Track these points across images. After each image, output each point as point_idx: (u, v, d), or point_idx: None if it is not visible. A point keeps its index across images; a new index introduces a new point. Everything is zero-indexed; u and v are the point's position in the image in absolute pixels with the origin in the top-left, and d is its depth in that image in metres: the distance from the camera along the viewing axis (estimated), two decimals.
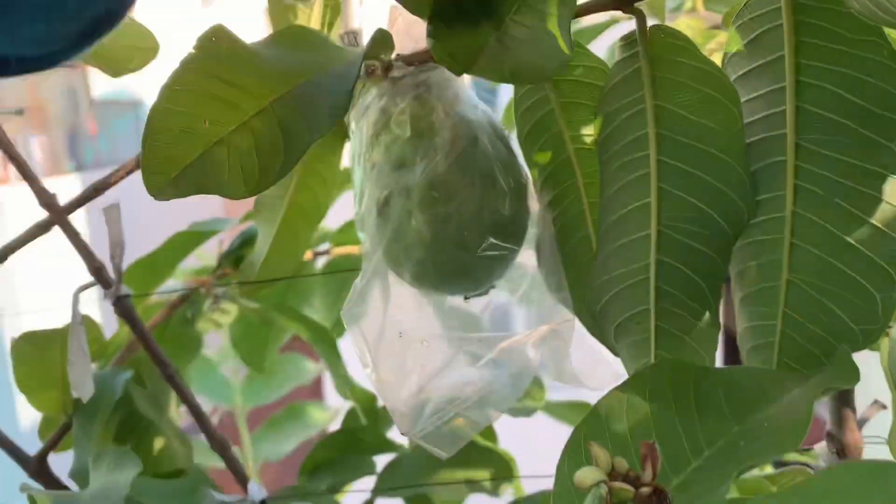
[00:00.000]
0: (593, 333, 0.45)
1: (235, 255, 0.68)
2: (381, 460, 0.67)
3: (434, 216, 0.41)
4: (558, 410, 0.69)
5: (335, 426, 1.08)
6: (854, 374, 0.36)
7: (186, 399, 0.52)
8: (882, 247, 0.37)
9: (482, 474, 0.56)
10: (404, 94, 0.43)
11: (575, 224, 0.44)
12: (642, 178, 0.40)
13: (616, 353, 0.43)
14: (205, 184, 0.33)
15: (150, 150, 0.33)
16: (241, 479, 0.53)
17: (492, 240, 0.42)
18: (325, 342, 0.65)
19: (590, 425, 0.34)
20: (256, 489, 0.52)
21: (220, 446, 0.53)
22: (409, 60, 0.43)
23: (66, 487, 0.62)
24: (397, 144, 0.41)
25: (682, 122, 0.38)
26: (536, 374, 0.43)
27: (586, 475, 0.27)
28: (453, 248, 0.41)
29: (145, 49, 0.56)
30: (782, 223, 0.39)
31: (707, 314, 0.40)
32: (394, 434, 0.74)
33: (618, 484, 0.27)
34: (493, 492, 0.57)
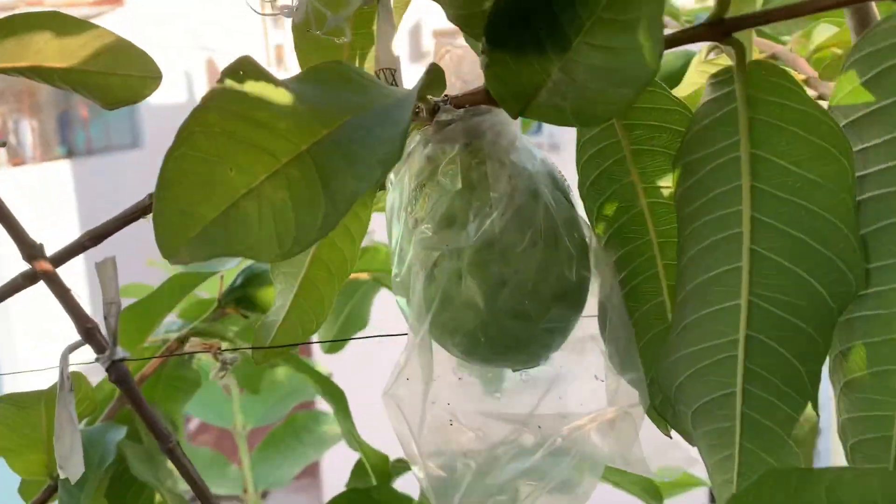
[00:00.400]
0: (664, 416, 0.39)
1: (238, 294, 0.62)
2: None
3: (488, 281, 0.35)
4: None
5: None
6: None
7: (188, 475, 0.46)
8: None
9: None
10: (453, 141, 0.37)
11: (647, 288, 0.38)
12: (732, 238, 0.34)
13: (691, 442, 0.37)
14: (230, 244, 0.28)
15: (163, 205, 0.27)
16: None
17: (555, 310, 0.36)
18: (335, 398, 0.60)
19: None
20: None
21: None
22: (458, 103, 0.37)
23: None
24: (446, 198, 0.36)
25: (782, 174, 0.33)
26: (605, 463, 0.37)
27: None
28: (510, 318, 0.35)
29: (144, 79, 0.50)
30: None
31: (804, 403, 0.34)
32: (405, 486, 0.67)
33: None
34: None
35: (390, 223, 0.39)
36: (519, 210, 0.36)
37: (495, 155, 0.37)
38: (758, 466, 0.35)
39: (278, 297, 0.46)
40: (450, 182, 0.36)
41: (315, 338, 0.56)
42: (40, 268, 0.44)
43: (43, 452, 0.54)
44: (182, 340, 0.56)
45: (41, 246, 0.46)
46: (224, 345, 0.50)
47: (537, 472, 0.36)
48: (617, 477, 0.67)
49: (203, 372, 0.61)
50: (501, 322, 0.35)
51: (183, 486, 0.50)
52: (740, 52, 0.32)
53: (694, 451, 0.40)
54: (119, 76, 0.49)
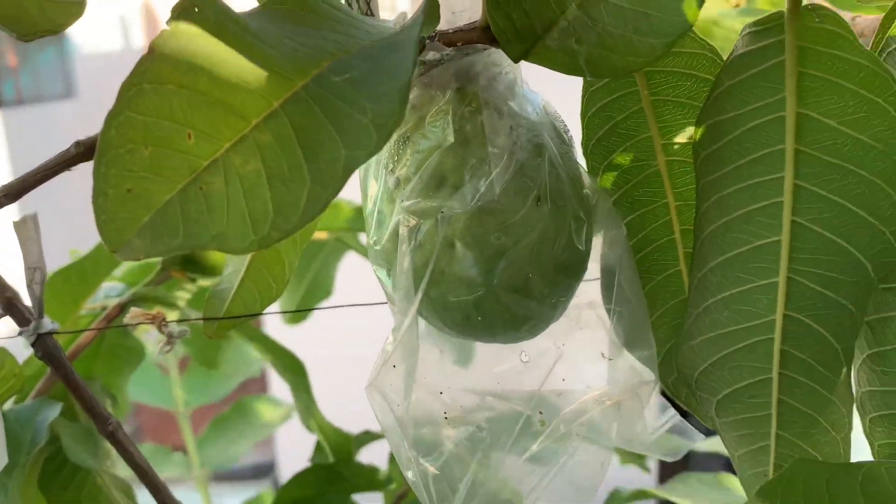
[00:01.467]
0: (679, 400, 0.35)
1: (183, 256, 0.56)
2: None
3: (485, 251, 0.30)
4: None
5: (290, 424, 0.96)
6: None
7: (132, 459, 0.41)
8: None
9: None
10: (443, 86, 0.32)
11: (660, 257, 0.34)
12: (771, 208, 0.30)
13: (714, 429, 0.34)
14: (192, 233, 0.22)
15: (105, 184, 0.21)
16: None
17: (560, 281, 0.31)
18: (295, 373, 0.55)
19: None
20: None
21: None
22: (449, 40, 0.31)
23: None
24: (435, 154, 0.30)
25: (832, 135, 0.29)
26: (611, 449, 0.33)
27: None
28: (511, 293, 0.30)
29: (65, 4, 0.43)
30: None
31: (839, 385, 0.31)
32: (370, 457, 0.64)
33: None
34: None
35: (365, 181, 0.34)
36: (521, 168, 0.30)
37: (492, 102, 0.31)
38: (796, 456, 0.31)
39: (230, 263, 0.40)
40: (440, 134, 0.31)
41: (276, 307, 0.51)
42: None
43: None
44: (122, 307, 0.49)
45: None
46: (171, 315, 0.44)
47: (539, 461, 0.32)
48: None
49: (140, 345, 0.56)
50: (500, 298, 0.30)
51: (126, 471, 0.44)
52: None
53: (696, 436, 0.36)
54: (36, 2, 0.42)
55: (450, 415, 0.32)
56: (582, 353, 0.35)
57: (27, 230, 0.37)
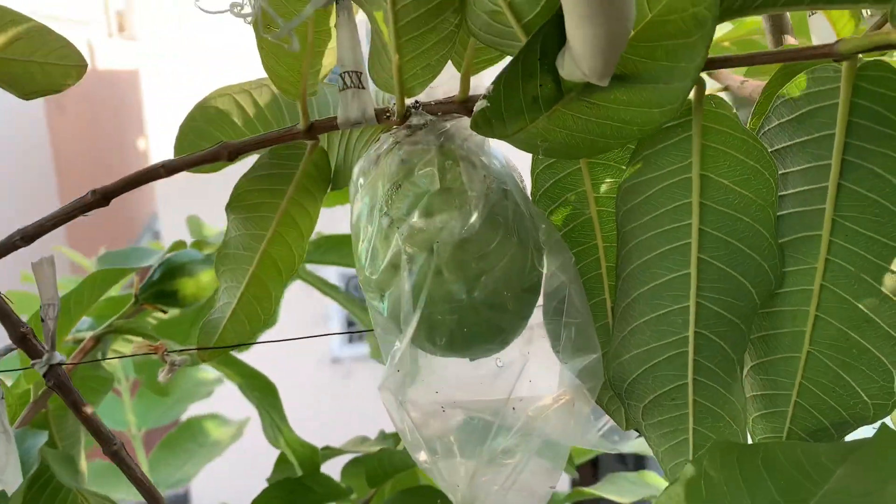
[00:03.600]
0: (601, 406, 0.43)
1: (157, 289, 0.60)
2: None
3: (468, 276, 0.37)
4: None
5: (243, 443, 0.97)
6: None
7: (135, 477, 0.44)
8: None
9: None
10: (427, 144, 0.39)
11: (590, 287, 0.42)
12: (682, 248, 0.38)
13: (638, 430, 0.42)
14: None
15: None
16: None
17: (526, 299, 0.39)
18: (264, 392, 0.59)
19: None
20: None
21: None
22: (431, 110, 0.39)
23: None
24: (423, 199, 0.38)
25: (725, 191, 0.38)
26: (567, 443, 0.40)
27: None
28: (488, 309, 0.38)
29: (66, 67, 0.48)
30: (809, 295, 0.39)
31: (734, 385, 0.40)
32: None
33: None
34: None
35: (357, 225, 0.40)
36: (493, 208, 0.38)
37: (467, 156, 0.39)
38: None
39: (223, 295, 0.46)
40: (428, 183, 0.38)
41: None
42: None
43: None
44: (98, 339, 0.53)
45: None
46: (141, 341, 0.48)
47: (511, 451, 0.39)
48: None
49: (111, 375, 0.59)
50: (480, 313, 0.37)
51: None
52: (701, 87, 0.36)
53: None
54: (38, 64, 0.47)
55: (446, 408, 0.38)
56: (541, 361, 0.42)
57: (43, 270, 0.42)
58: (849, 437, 0.41)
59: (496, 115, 0.35)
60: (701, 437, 0.40)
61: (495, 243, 0.37)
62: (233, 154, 0.41)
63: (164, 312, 0.59)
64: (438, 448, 0.37)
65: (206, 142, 0.45)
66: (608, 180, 0.41)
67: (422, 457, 0.37)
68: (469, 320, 0.37)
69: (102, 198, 0.42)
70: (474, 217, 0.37)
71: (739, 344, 0.39)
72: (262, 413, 0.62)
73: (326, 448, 0.66)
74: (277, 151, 0.43)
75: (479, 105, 0.35)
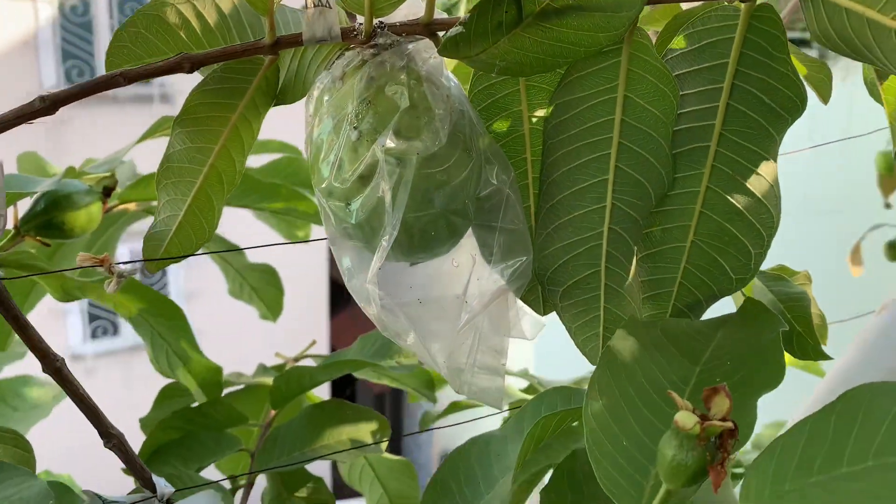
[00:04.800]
0: (525, 299, 0.50)
1: (41, 220, 0.58)
2: None
3: (435, 185, 0.42)
4: None
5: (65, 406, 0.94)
6: (767, 314, 0.47)
7: (76, 392, 0.45)
8: (760, 213, 0.48)
9: (363, 434, 0.58)
10: (394, 64, 0.43)
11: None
12: (603, 157, 0.46)
13: (556, 312, 0.49)
14: None
15: None
16: (141, 475, 0.48)
17: (479, 205, 0.45)
18: (170, 317, 0.60)
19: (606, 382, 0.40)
20: (164, 483, 0.47)
21: (117, 449, 0.47)
22: (397, 30, 0.43)
23: None
24: (395, 116, 0.42)
25: (640, 110, 0.45)
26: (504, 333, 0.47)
27: (686, 418, 0.33)
28: (451, 214, 0.43)
29: None
30: (696, 195, 0.48)
31: (629, 267, 0.48)
32: None
33: (716, 422, 0.32)
34: (382, 450, 0.59)
35: (320, 142, 0.43)
36: (455, 126, 0.43)
37: (429, 77, 0.43)
38: (615, 321, 0.48)
39: (165, 208, 0.47)
40: (398, 100, 0.42)
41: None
42: None
43: None
44: None
45: None
46: (84, 254, 0.48)
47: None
48: (398, 373, 0.74)
49: None
50: (446, 218, 0.43)
51: None
52: (634, 20, 0.43)
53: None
54: None
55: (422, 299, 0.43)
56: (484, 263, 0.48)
57: None
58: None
59: (464, 39, 0.40)
60: (609, 314, 0.49)
61: (455, 157, 0.42)
62: (195, 66, 0.42)
63: (48, 245, 0.58)
64: (417, 331, 0.42)
65: (144, 51, 0.45)
66: (541, 101, 0.47)
67: (410, 339, 0.42)
68: (435, 224, 0.42)
69: (51, 105, 0.42)
70: (442, 133, 0.41)
71: (637, 237, 0.48)
72: (159, 342, 0.62)
73: (234, 373, 0.68)
74: (231, 66, 0.44)
75: (454, 31, 0.39)
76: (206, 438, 0.61)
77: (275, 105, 0.48)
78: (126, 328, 5.63)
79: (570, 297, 0.49)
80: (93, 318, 5.50)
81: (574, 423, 0.46)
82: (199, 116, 0.45)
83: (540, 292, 0.51)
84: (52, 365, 0.45)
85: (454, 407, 0.83)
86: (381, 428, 0.59)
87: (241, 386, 0.71)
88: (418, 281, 0.45)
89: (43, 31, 4.99)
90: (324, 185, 0.44)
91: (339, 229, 0.45)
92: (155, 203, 0.76)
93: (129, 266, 0.47)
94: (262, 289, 0.90)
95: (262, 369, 0.75)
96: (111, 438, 0.47)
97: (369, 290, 0.41)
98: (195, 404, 0.65)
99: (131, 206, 0.74)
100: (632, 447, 0.35)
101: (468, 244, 0.47)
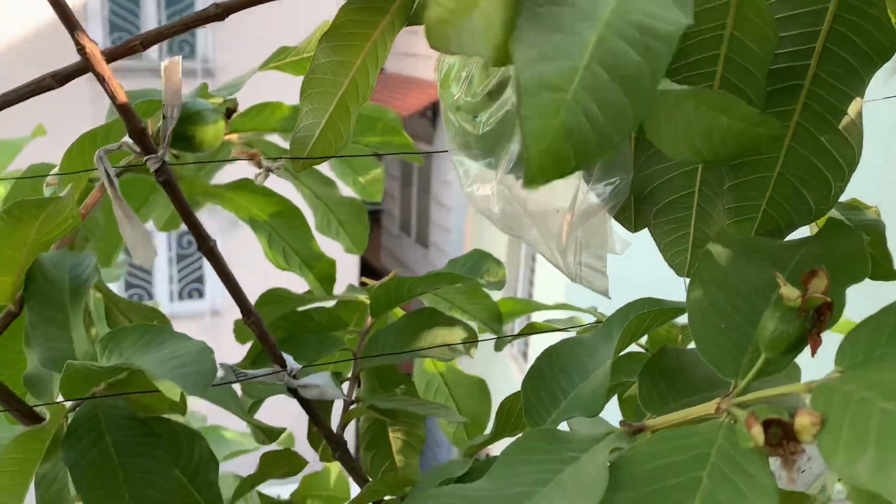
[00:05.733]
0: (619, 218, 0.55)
1: (174, 132, 0.64)
2: None
3: None
4: None
5: None
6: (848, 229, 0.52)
7: (224, 274, 0.52)
8: (843, 149, 0.53)
9: (455, 339, 0.64)
10: None
11: None
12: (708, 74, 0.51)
13: (648, 229, 0.55)
14: None
15: None
16: (273, 352, 0.54)
17: None
18: (289, 217, 0.66)
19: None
20: (292, 360, 0.54)
21: (255, 326, 0.53)
22: None
23: None
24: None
25: (742, 48, 0.50)
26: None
27: (790, 290, 0.37)
28: None
29: None
30: (786, 132, 0.52)
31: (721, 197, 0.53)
32: None
33: (816, 295, 0.37)
34: (467, 352, 0.65)
35: (447, 62, 0.49)
36: None
37: None
38: (703, 239, 0.53)
39: (308, 115, 0.53)
40: None
41: None
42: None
43: (13, 275, 0.54)
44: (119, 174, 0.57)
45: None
46: (240, 147, 0.54)
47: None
48: (467, 306, 0.79)
49: None
50: None
51: None
52: None
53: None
54: None
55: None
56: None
57: (171, 73, 0.47)
58: None
59: None
60: (698, 232, 0.54)
61: None
62: None
63: (177, 157, 0.63)
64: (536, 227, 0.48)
65: None
66: None
67: (532, 233, 0.47)
68: None
69: (224, 12, 0.47)
70: None
71: (729, 164, 0.53)
72: (276, 240, 0.68)
73: (309, 292, 0.73)
74: None
75: None
76: (311, 340, 0.67)
77: (407, 25, 0.53)
78: (159, 295, 5.81)
79: (664, 215, 0.54)
80: (129, 286, 5.68)
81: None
82: (345, 32, 0.51)
83: (632, 211, 0.56)
84: (206, 244, 0.52)
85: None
86: (471, 335, 0.65)
87: (335, 301, 0.77)
88: (532, 195, 0.50)
89: (91, 2, 5.11)
90: (453, 100, 0.49)
91: (461, 141, 0.50)
92: (253, 135, 0.82)
93: (276, 162, 0.53)
94: (349, 223, 0.95)
95: (352, 288, 0.81)
96: (250, 316, 0.53)
97: (495, 189, 0.46)
98: (301, 309, 0.71)
99: (234, 137, 0.80)
100: (730, 329, 0.41)
101: None
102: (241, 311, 0.53)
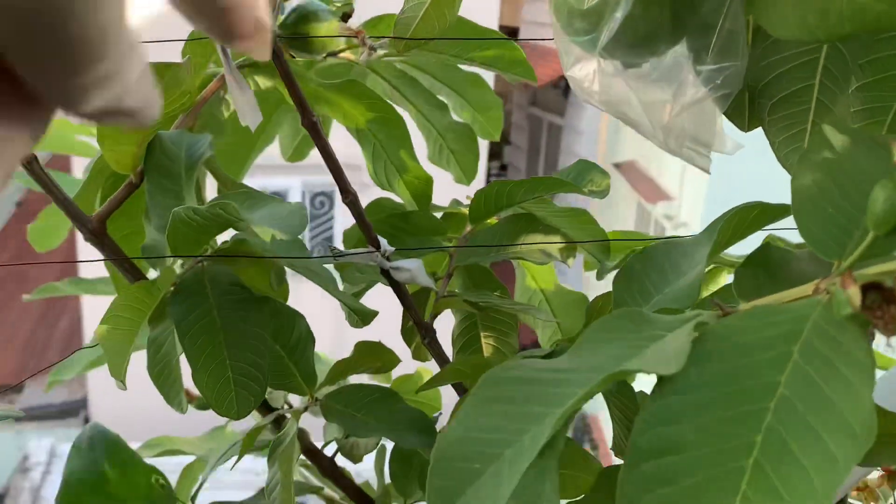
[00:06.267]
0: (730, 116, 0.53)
1: (290, 31, 0.65)
2: None
3: None
4: None
5: None
6: None
7: (325, 150, 0.53)
8: None
9: (552, 248, 0.63)
10: None
11: None
12: None
13: (762, 127, 0.52)
14: None
15: None
16: (368, 234, 0.55)
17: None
18: (393, 125, 0.66)
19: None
20: (386, 242, 0.55)
21: (352, 205, 0.54)
22: None
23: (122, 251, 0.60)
24: None
25: None
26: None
27: None
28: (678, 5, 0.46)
29: None
30: None
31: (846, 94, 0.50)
32: None
33: None
34: (563, 260, 0.65)
35: None
36: None
37: None
38: (820, 135, 0.50)
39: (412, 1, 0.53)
40: None
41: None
42: None
43: (135, 145, 0.57)
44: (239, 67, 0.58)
45: None
46: (341, 26, 0.54)
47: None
48: (574, 231, 0.76)
49: None
50: (674, 8, 0.46)
51: None
52: None
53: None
54: None
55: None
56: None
57: None
58: None
59: None
60: (816, 131, 0.51)
61: None
62: None
63: (293, 57, 0.64)
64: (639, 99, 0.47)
65: None
66: None
67: (634, 106, 0.46)
68: (660, 14, 0.46)
69: None
70: None
71: (855, 58, 0.49)
72: (380, 154, 0.68)
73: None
74: None
75: None
76: (411, 243, 0.67)
77: None
78: None
79: (779, 110, 0.51)
80: None
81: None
82: None
83: (746, 108, 0.54)
84: (310, 119, 0.53)
85: None
86: (569, 246, 0.64)
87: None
88: (632, 84, 0.49)
89: None
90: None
91: (566, 21, 0.49)
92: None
93: (378, 42, 0.53)
94: (460, 152, 0.94)
95: (455, 202, 0.81)
96: (348, 195, 0.54)
97: (599, 62, 0.45)
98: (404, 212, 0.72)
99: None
100: (838, 214, 0.38)
101: (680, 51, 0.50)
102: (340, 190, 0.54)
